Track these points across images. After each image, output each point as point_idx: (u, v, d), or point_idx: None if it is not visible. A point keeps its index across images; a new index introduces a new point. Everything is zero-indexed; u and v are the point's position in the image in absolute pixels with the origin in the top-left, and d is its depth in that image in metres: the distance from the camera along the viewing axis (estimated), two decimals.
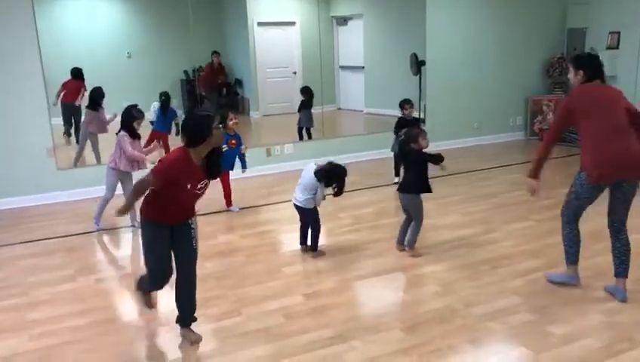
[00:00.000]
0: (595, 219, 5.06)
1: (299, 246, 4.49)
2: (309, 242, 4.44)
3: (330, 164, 4.29)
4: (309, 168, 4.31)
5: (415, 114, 6.71)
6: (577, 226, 3.71)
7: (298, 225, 4.47)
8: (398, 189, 4.38)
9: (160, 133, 6.43)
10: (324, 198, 4.35)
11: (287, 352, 3.05)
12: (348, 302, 3.69)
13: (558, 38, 8.76)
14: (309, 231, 4.41)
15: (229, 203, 5.63)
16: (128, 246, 4.93)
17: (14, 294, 3.92)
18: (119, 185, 5.05)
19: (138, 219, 4.96)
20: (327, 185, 4.26)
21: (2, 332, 3.39)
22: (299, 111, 7.68)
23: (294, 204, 4.38)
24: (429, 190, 4.25)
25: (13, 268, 4.39)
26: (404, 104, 6.24)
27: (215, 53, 7.91)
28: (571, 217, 3.69)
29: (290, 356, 3.02)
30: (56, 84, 6.44)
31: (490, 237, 4.68)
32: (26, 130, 5.96)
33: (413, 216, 4.29)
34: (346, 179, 4.26)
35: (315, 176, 4.21)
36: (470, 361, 2.97)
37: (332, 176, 4.23)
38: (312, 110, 7.70)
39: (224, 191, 5.57)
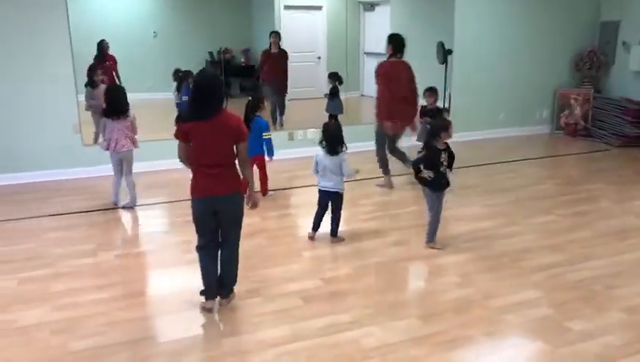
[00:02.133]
0: (620, 216, 5.02)
1: (319, 233, 4.47)
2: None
3: (324, 131, 4.30)
4: (320, 156, 4.30)
5: (440, 103, 6.63)
6: None
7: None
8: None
9: None
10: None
11: (304, 335, 3.08)
12: (366, 288, 3.70)
13: (590, 31, 8.56)
14: (332, 216, 4.39)
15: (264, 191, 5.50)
16: (147, 224, 4.99)
17: (39, 265, 4.01)
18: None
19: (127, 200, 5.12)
20: (338, 145, 4.24)
21: (28, 302, 3.48)
22: (329, 97, 7.56)
23: (325, 191, 4.34)
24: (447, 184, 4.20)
25: (39, 240, 4.48)
26: (425, 92, 6.18)
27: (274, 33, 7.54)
28: None
29: (307, 338, 3.04)
30: (83, 61, 6.49)
31: (511, 231, 4.63)
32: (53, 105, 6.05)
33: (436, 210, 4.24)
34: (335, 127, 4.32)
35: (333, 153, 4.21)
36: (487, 353, 2.96)
37: (335, 136, 4.24)
38: None
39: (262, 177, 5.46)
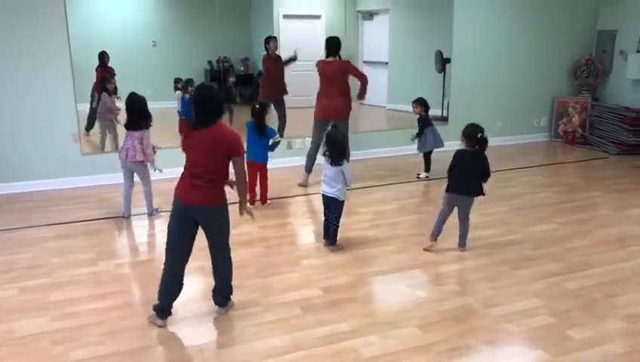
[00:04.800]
0: (619, 224, 5.02)
1: (322, 240, 4.46)
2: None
3: (329, 142, 4.32)
4: (325, 164, 4.33)
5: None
6: None
7: (318, 218, 4.48)
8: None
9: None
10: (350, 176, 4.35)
11: (303, 344, 3.07)
12: (366, 297, 3.70)
13: (587, 40, 8.61)
14: (331, 224, 4.39)
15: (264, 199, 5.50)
16: (147, 233, 4.99)
17: (39, 275, 4.00)
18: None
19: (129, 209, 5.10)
20: (341, 157, 4.26)
21: (27, 311, 3.47)
22: None
23: (324, 196, 4.36)
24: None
25: (39, 250, 4.48)
26: (412, 103, 6.44)
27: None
28: None
29: (306, 348, 3.04)
30: (82, 70, 6.51)
31: (510, 239, 4.64)
32: (52, 115, 6.05)
33: (466, 215, 4.30)
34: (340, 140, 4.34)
35: (334, 164, 4.23)
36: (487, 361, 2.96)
37: (337, 148, 4.26)
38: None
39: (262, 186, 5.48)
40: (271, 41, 7.25)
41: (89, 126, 6.66)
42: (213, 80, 7.91)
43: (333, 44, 6.00)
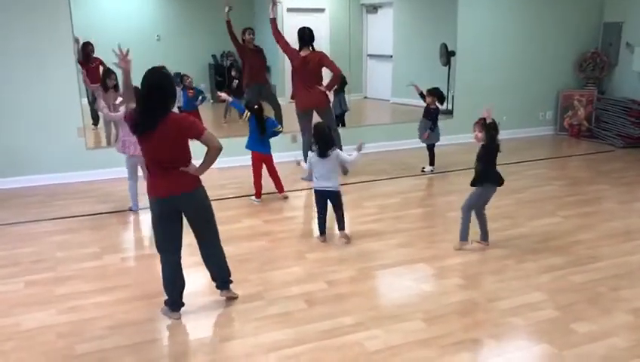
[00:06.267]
0: (625, 217, 5.00)
1: (320, 236, 4.48)
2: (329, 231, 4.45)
3: (315, 134, 4.36)
4: (314, 159, 4.34)
5: (442, 105, 6.63)
6: None
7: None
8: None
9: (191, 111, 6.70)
10: (355, 156, 4.37)
11: (307, 338, 3.07)
12: (370, 290, 3.70)
13: (593, 32, 8.54)
14: (336, 214, 4.42)
15: (258, 195, 5.51)
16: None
17: (44, 269, 4.02)
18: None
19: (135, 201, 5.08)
20: (330, 145, 4.28)
21: (32, 305, 3.48)
22: (334, 95, 7.51)
23: (323, 191, 4.36)
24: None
25: (44, 244, 4.50)
26: (427, 91, 6.30)
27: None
28: None
29: (310, 341, 3.04)
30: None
31: (515, 232, 4.62)
32: (57, 109, 6.07)
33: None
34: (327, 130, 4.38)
35: (323, 156, 4.25)
36: (491, 355, 2.95)
37: (324, 138, 4.29)
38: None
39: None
40: (246, 32, 6.94)
41: (95, 121, 6.66)
42: (217, 74, 7.91)
43: (306, 36, 5.93)
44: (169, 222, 3.19)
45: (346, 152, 4.55)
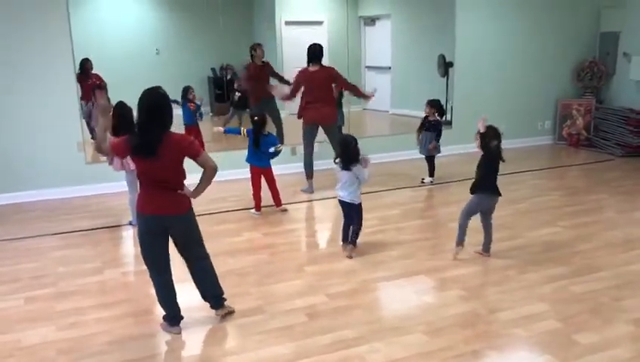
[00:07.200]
0: (625, 226, 5.00)
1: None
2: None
3: (342, 146, 4.34)
4: (338, 169, 4.36)
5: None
6: None
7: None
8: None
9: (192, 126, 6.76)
10: (367, 174, 4.33)
11: (309, 351, 3.06)
12: (371, 303, 3.69)
13: (590, 42, 8.59)
14: (351, 227, 4.42)
15: (258, 207, 5.50)
16: None
17: (45, 284, 4.01)
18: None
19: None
20: (354, 161, 4.27)
21: (33, 321, 3.47)
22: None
23: (341, 201, 4.39)
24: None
25: (44, 259, 4.49)
26: (427, 102, 6.35)
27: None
28: None
29: (312, 355, 3.03)
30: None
31: (515, 243, 4.62)
32: (56, 123, 6.08)
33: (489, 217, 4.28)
34: (353, 144, 4.32)
35: (346, 168, 4.25)
36: None
37: (348, 152, 4.27)
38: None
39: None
40: (257, 48, 7.06)
41: (93, 134, 6.67)
42: (216, 87, 7.94)
43: (317, 52, 6.00)
44: (156, 238, 3.18)
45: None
